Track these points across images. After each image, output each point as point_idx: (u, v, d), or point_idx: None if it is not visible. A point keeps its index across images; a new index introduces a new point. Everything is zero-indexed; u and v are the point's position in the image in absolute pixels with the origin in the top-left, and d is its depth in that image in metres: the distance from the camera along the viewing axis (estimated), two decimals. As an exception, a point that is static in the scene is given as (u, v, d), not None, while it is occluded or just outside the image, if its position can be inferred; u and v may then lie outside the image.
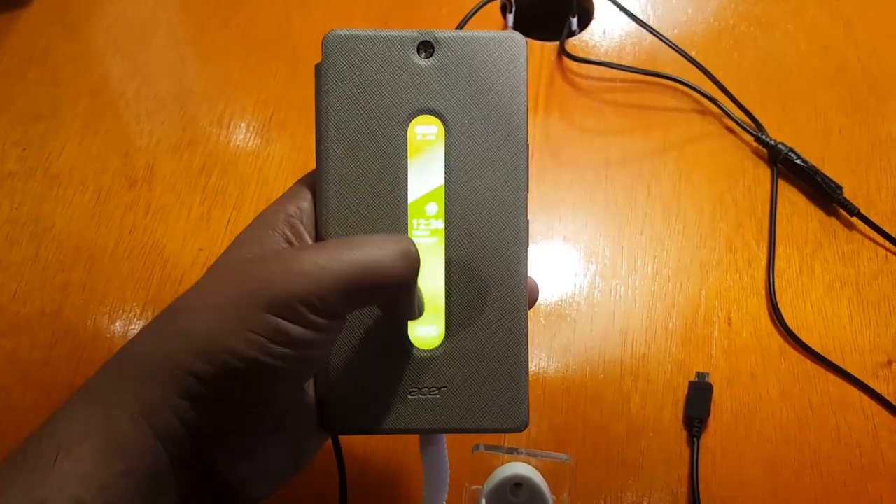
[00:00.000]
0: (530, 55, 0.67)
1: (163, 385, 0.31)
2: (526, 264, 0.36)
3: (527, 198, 0.36)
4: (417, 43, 0.35)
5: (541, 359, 0.53)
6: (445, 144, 0.36)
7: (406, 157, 0.35)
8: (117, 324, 0.53)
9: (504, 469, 0.37)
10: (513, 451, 0.39)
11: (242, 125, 0.62)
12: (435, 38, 0.35)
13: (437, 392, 0.35)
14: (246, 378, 0.31)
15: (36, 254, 0.56)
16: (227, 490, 0.34)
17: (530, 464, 0.38)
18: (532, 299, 0.37)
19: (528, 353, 0.36)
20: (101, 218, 0.57)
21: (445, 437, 0.36)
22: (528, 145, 0.36)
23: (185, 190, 0.59)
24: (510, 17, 0.69)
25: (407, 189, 0.35)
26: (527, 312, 0.36)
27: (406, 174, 0.35)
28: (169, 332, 0.32)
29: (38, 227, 0.57)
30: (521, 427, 0.35)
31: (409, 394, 0.35)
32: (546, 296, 0.55)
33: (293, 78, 0.65)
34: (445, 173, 0.36)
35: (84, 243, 0.56)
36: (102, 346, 0.53)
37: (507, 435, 0.49)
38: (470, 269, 0.36)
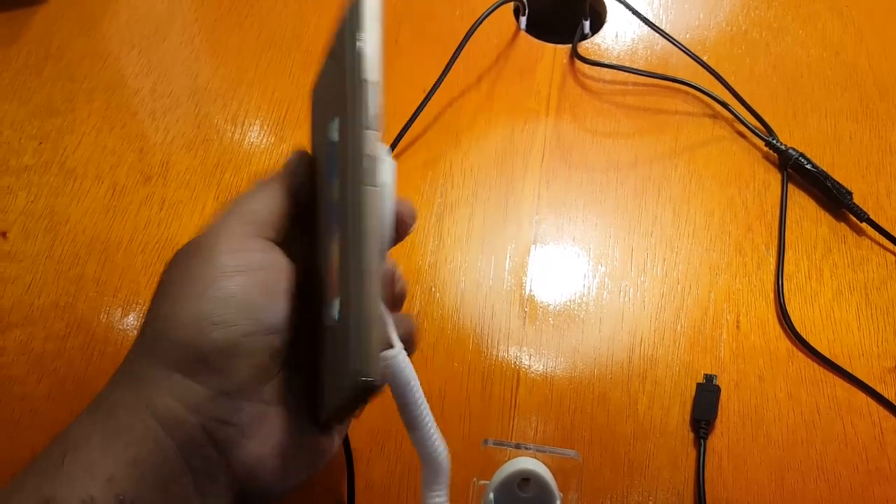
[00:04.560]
0: (543, 57, 0.67)
1: (155, 367, 0.34)
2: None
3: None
4: None
5: (549, 359, 0.53)
6: None
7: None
8: (130, 317, 0.54)
9: (512, 464, 0.38)
10: (520, 447, 0.39)
11: (256, 123, 0.63)
12: None
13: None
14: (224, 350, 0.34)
15: (51, 247, 0.57)
16: (244, 478, 0.35)
17: (538, 459, 0.38)
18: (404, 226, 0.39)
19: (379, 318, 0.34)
20: (116, 212, 0.58)
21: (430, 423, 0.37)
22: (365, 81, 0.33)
23: (199, 186, 0.59)
24: (523, 20, 0.69)
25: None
26: (375, 281, 0.33)
27: None
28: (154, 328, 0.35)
29: (53, 220, 0.58)
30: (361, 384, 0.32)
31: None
32: (555, 296, 0.55)
33: (307, 76, 0.65)
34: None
35: (98, 237, 0.57)
36: (115, 338, 0.53)
37: (516, 431, 0.50)
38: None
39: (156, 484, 0.32)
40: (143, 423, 0.33)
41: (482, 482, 0.40)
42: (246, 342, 0.34)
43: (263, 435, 0.35)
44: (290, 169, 0.40)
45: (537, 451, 0.39)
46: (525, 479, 0.38)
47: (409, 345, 0.39)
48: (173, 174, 0.60)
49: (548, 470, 0.38)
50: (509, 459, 0.38)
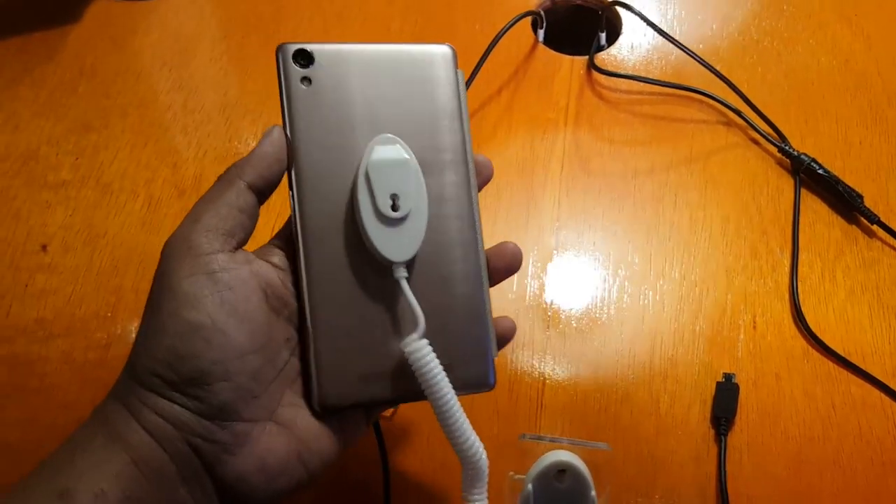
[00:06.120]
0: (561, 69, 0.69)
1: (139, 388, 0.35)
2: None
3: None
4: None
5: (572, 361, 0.55)
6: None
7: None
8: (170, 325, 0.56)
9: (549, 456, 0.40)
10: (555, 440, 0.41)
11: (285, 137, 0.65)
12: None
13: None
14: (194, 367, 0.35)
15: (90, 259, 0.59)
16: (228, 490, 0.36)
17: (573, 452, 0.40)
18: (486, 176, 0.43)
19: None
20: (152, 226, 0.60)
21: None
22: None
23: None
24: (541, 33, 0.71)
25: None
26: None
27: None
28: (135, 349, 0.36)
29: (91, 233, 0.60)
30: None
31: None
32: (577, 300, 0.57)
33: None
34: None
35: (136, 249, 0.59)
36: (156, 346, 0.55)
37: (543, 430, 0.52)
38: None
39: (155, 485, 0.34)
40: (135, 433, 0.34)
41: (518, 476, 0.42)
42: (216, 369, 0.35)
43: (248, 451, 0.36)
44: (257, 160, 0.39)
45: (571, 444, 0.41)
46: (561, 471, 0.40)
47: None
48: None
49: (582, 462, 0.40)
50: (545, 453, 0.40)
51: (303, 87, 0.40)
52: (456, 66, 0.43)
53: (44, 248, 0.59)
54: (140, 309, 0.56)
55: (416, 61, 0.42)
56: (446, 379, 0.37)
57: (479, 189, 0.43)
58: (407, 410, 0.52)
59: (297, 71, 0.40)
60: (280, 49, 0.40)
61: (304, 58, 0.40)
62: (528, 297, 0.57)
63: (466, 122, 0.43)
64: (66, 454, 0.34)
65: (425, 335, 0.38)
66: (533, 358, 0.55)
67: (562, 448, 0.40)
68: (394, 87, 0.41)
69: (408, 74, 0.41)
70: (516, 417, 0.52)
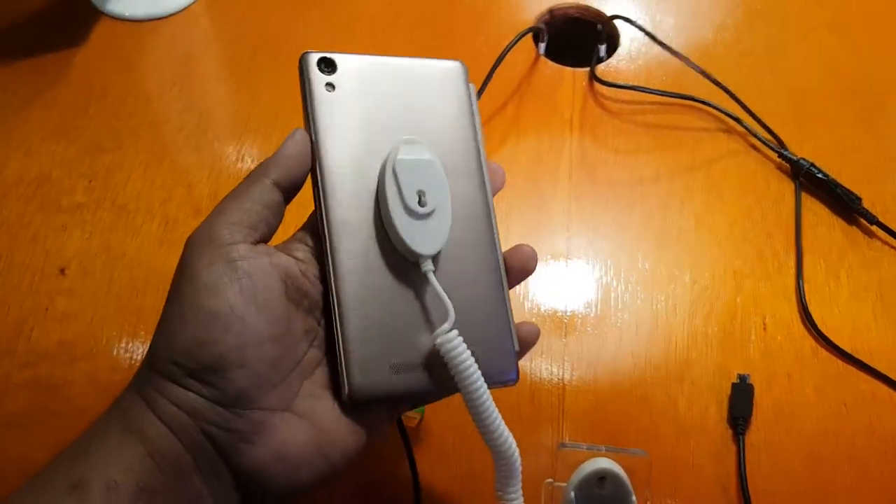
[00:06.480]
0: (563, 81, 0.71)
1: (157, 378, 0.35)
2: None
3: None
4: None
5: (590, 366, 0.56)
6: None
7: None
8: (195, 345, 0.57)
9: (590, 463, 0.41)
10: (592, 448, 0.43)
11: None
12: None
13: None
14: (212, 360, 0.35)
15: (110, 281, 0.59)
16: (248, 480, 0.36)
17: (611, 459, 0.42)
18: (500, 183, 0.45)
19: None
20: (170, 246, 0.61)
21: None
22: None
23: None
24: (542, 46, 0.73)
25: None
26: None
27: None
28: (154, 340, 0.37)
29: (109, 255, 0.60)
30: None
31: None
32: (591, 306, 0.59)
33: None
34: None
35: (155, 270, 0.59)
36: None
37: (566, 435, 0.53)
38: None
39: (170, 476, 0.34)
40: (152, 424, 0.35)
41: (557, 484, 0.43)
42: (234, 355, 0.35)
43: (266, 440, 0.36)
44: (282, 158, 0.40)
45: (609, 451, 0.43)
46: (601, 478, 0.41)
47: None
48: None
49: (621, 468, 0.41)
50: (584, 461, 0.41)
51: (327, 91, 0.42)
52: (468, 79, 0.45)
53: (62, 271, 0.59)
54: (163, 329, 0.57)
55: (430, 74, 0.44)
56: (478, 370, 0.38)
57: (493, 195, 0.45)
58: (430, 417, 0.53)
59: (321, 77, 0.42)
60: (304, 57, 0.42)
61: (328, 65, 0.42)
62: (543, 305, 0.59)
63: (480, 131, 0.45)
64: (82, 446, 0.34)
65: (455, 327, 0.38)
66: (552, 365, 0.56)
67: (601, 455, 0.42)
68: (411, 96, 0.43)
69: (424, 85, 0.44)
70: (539, 424, 0.54)
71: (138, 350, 0.56)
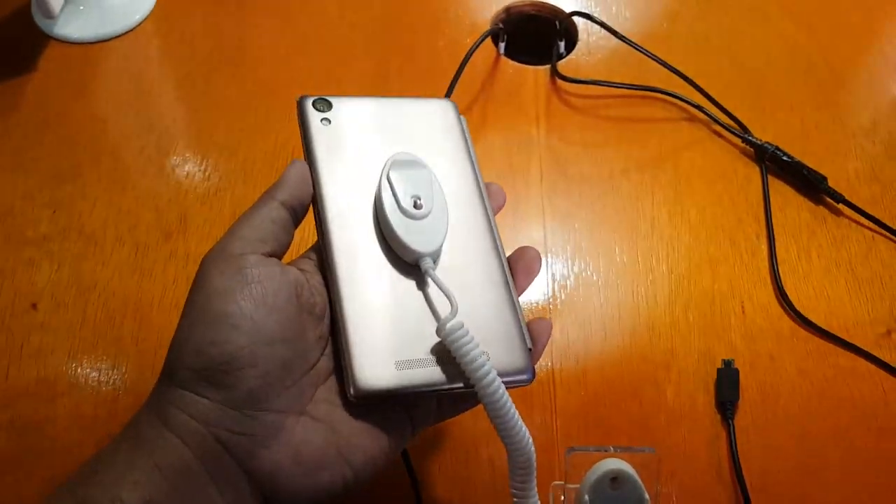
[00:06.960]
0: (526, 80, 0.71)
1: (170, 387, 0.36)
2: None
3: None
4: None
5: (578, 361, 0.57)
6: None
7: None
8: (180, 372, 0.56)
9: (602, 465, 0.41)
10: (601, 449, 0.43)
11: (264, 169, 0.65)
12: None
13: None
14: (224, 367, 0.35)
15: (84, 312, 0.57)
16: (266, 486, 0.36)
17: (621, 459, 0.42)
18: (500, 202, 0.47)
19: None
20: (143, 272, 0.59)
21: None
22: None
23: (219, 237, 0.61)
24: (502, 45, 0.73)
25: None
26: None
27: None
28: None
29: (81, 286, 0.59)
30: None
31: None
32: (574, 302, 0.59)
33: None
34: None
35: (130, 298, 0.58)
36: (169, 394, 0.55)
37: (560, 432, 0.53)
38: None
39: (180, 489, 0.34)
40: (162, 436, 0.34)
41: (569, 486, 0.43)
42: (244, 354, 0.35)
43: (282, 443, 0.36)
44: (286, 182, 0.41)
45: (618, 451, 0.43)
46: (613, 479, 0.41)
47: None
48: (192, 228, 0.62)
49: (632, 468, 0.41)
50: (595, 462, 0.42)
51: (322, 125, 0.44)
52: (458, 114, 0.48)
53: (34, 306, 0.58)
54: (144, 358, 0.56)
55: (421, 109, 0.48)
56: (486, 356, 0.38)
57: (495, 214, 0.46)
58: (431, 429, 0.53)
59: (317, 114, 0.44)
60: (301, 100, 0.45)
61: (323, 105, 0.45)
62: (525, 305, 0.59)
63: (474, 157, 0.47)
64: (91, 466, 0.34)
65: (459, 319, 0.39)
66: (540, 362, 0.56)
67: (610, 456, 0.42)
68: (405, 127, 0.47)
69: (416, 118, 0.47)
70: (533, 423, 0.54)
71: (120, 381, 0.55)
